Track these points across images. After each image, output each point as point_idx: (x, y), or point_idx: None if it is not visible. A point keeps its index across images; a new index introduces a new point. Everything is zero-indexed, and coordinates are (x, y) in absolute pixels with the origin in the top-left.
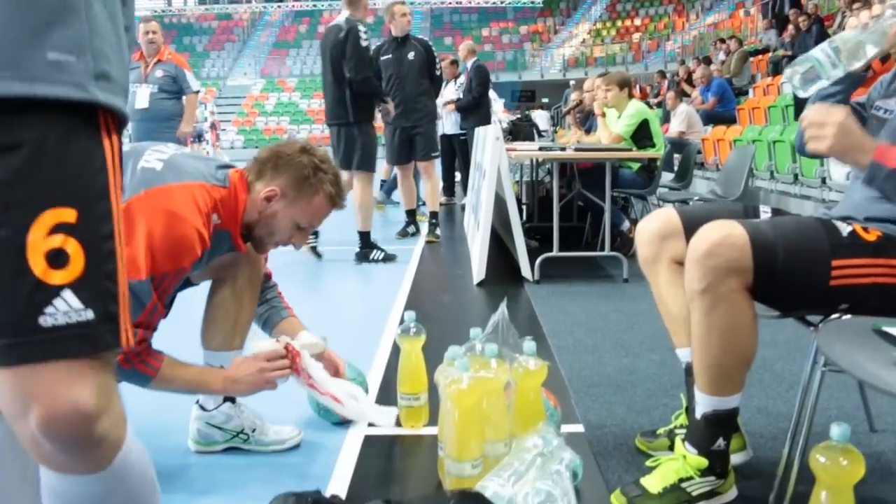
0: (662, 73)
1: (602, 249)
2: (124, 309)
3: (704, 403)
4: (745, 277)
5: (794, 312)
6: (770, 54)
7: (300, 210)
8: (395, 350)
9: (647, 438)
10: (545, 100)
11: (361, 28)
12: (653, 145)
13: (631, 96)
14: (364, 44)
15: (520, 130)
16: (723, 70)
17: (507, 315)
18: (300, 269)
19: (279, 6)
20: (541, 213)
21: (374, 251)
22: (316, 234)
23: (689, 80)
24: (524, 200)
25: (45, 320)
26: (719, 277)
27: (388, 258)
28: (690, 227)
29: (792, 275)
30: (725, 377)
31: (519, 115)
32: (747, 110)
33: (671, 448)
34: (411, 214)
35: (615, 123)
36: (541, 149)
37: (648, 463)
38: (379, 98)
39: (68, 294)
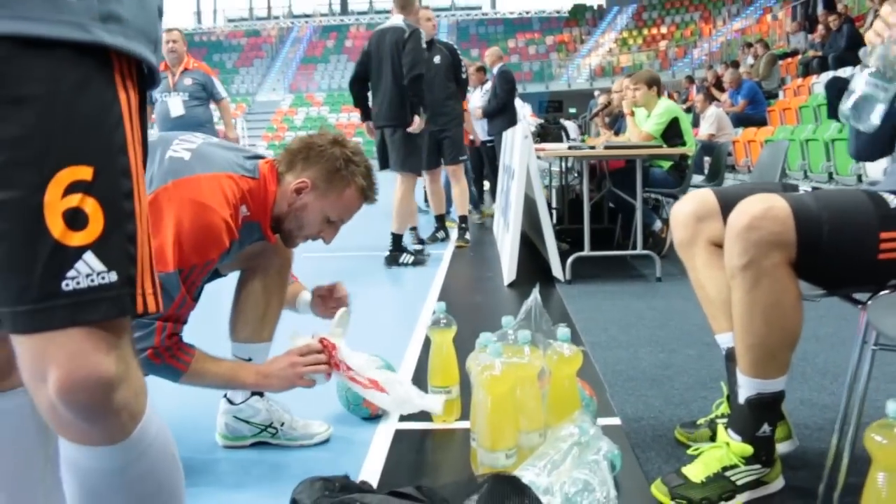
0: (690, 78)
1: (634, 248)
2: (144, 273)
3: (748, 387)
4: (788, 252)
5: (839, 290)
6: (800, 56)
7: (330, 203)
8: (426, 348)
9: (686, 430)
10: (572, 110)
11: (422, 31)
12: (683, 144)
13: (660, 95)
14: (423, 46)
15: (548, 133)
16: (752, 73)
17: (541, 301)
18: (328, 272)
19: (306, 22)
20: (571, 215)
21: (404, 254)
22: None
23: (718, 85)
24: (554, 205)
25: (68, 284)
26: (762, 252)
27: (419, 261)
28: (727, 206)
29: (838, 249)
30: (770, 358)
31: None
32: (778, 111)
33: (713, 439)
34: (440, 220)
35: (645, 122)
36: (570, 148)
37: (690, 451)
38: (420, 101)
39: (89, 256)
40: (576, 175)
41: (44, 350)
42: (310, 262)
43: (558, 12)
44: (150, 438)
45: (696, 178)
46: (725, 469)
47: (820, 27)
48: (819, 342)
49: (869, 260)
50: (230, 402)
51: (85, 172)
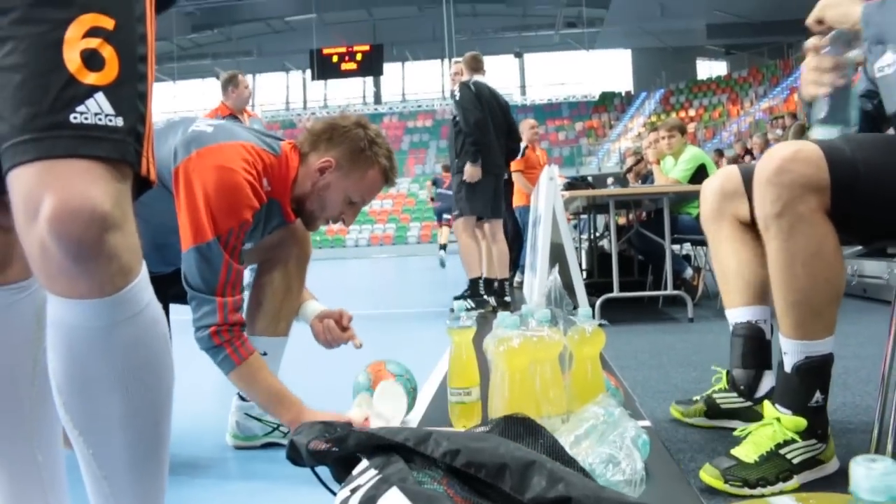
0: (720, 152)
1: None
2: (149, 141)
3: (795, 352)
4: (823, 197)
5: (877, 242)
6: None
7: (353, 183)
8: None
9: (682, 406)
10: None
11: None
12: None
13: (687, 143)
14: None
15: (577, 189)
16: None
17: (560, 282)
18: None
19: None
20: (600, 270)
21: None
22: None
23: (748, 155)
24: (584, 266)
25: (76, 117)
26: (796, 195)
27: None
28: (752, 185)
29: (875, 193)
30: (816, 315)
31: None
32: None
33: (707, 414)
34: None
35: (673, 170)
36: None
37: (737, 433)
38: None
39: (101, 96)
40: (604, 232)
41: (41, 179)
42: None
43: (586, 97)
44: (141, 305)
45: None
46: (779, 446)
47: None
48: (861, 360)
49: None
50: (242, 398)
51: (107, 22)
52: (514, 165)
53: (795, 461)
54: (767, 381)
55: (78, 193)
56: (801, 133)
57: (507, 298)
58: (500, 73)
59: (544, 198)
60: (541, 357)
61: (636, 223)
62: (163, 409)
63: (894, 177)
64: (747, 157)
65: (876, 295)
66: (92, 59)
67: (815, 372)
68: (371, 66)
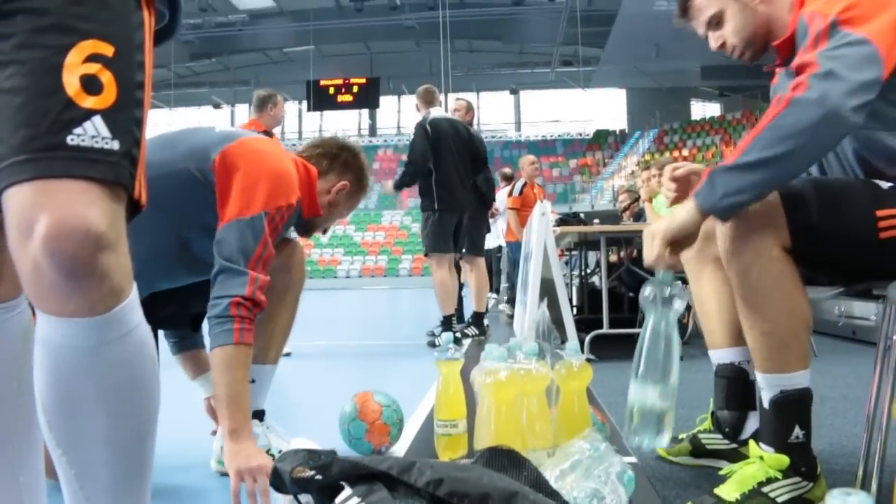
0: None
1: None
2: (142, 166)
3: (769, 387)
4: (780, 235)
5: (858, 283)
6: None
7: (351, 204)
8: None
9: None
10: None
11: None
12: None
13: None
14: None
15: (568, 225)
16: None
17: (549, 316)
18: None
19: None
20: (590, 307)
21: (470, 328)
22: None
23: None
24: (574, 302)
25: (72, 139)
26: (752, 233)
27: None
28: None
29: (834, 230)
30: (784, 347)
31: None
32: None
33: (693, 454)
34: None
35: (664, 209)
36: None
37: (722, 472)
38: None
39: (98, 120)
40: (595, 268)
41: (36, 199)
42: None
43: (580, 134)
44: (130, 326)
45: None
46: (762, 484)
47: None
48: (849, 402)
49: (871, 241)
50: None
51: (107, 49)
52: (510, 203)
53: (780, 500)
54: (752, 423)
55: (73, 213)
56: None
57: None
58: (495, 110)
59: (536, 233)
60: (528, 390)
61: (626, 260)
62: (147, 429)
63: (849, 212)
64: None
65: (865, 337)
66: (91, 84)
67: (793, 406)
68: (367, 99)
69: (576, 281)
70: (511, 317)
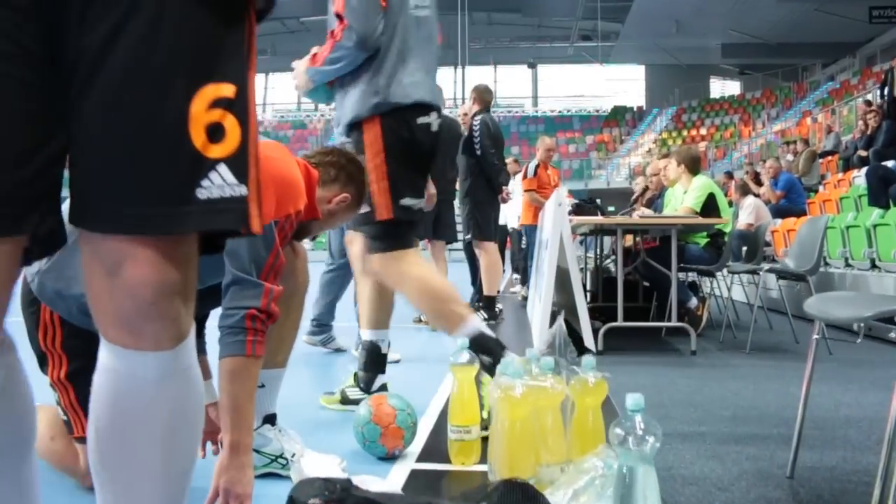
0: (729, 174)
1: (668, 320)
2: (259, 195)
3: None
4: None
5: None
6: (840, 152)
7: (347, 217)
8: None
9: None
10: (611, 209)
11: None
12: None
13: (695, 172)
14: None
15: (584, 212)
16: (791, 169)
17: (566, 329)
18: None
19: None
20: (605, 294)
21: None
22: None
23: (756, 180)
24: (588, 287)
25: (202, 192)
26: None
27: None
28: None
29: None
30: None
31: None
32: (818, 203)
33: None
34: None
35: (684, 199)
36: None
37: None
38: None
39: (223, 168)
40: (610, 253)
41: (126, 248)
42: None
43: (598, 110)
44: (187, 364)
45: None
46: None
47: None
48: (864, 409)
49: None
50: None
51: (228, 90)
52: (525, 185)
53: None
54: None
55: (157, 270)
56: (813, 159)
57: None
58: (513, 83)
59: (551, 223)
60: (542, 405)
61: (643, 251)
62: (193, 459)
63: None
64: (754, 186)
65: (879, 334)
66: (215, 133)
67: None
68: None
69: (591, 264)
70: (525, 298)
